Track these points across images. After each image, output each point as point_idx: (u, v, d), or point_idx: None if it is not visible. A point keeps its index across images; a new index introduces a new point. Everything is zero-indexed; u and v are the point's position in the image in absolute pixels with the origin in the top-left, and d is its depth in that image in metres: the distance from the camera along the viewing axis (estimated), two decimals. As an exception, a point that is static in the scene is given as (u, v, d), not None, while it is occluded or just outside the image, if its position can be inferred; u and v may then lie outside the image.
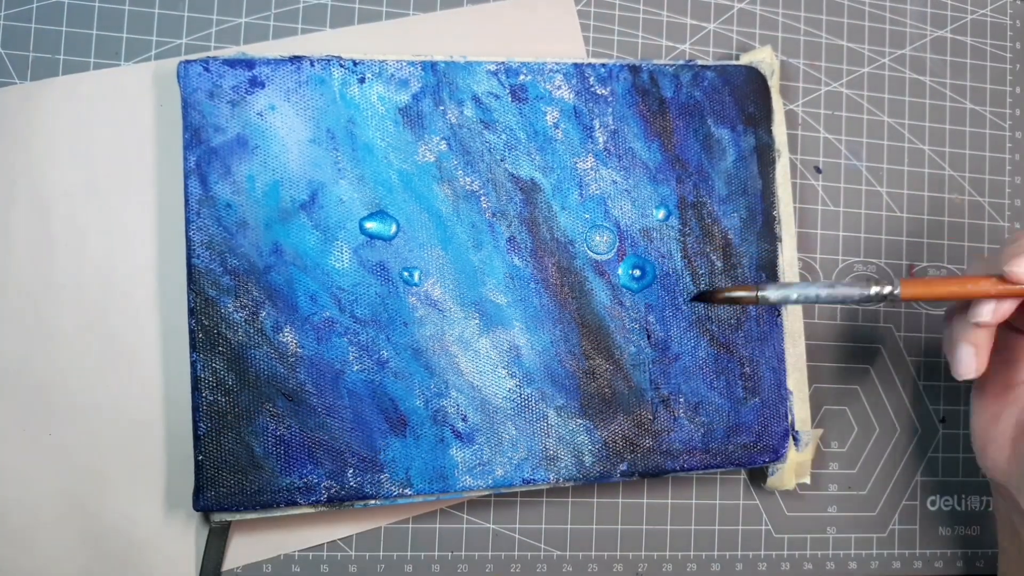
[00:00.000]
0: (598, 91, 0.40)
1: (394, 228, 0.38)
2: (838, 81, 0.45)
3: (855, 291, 0.30)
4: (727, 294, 0.33)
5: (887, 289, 0.30)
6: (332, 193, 0.37)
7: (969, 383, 0.43)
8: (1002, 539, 0.38)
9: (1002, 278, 0.31)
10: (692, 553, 0.43)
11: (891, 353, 0.45)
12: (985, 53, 0.47)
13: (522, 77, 0.39)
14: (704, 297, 0.35)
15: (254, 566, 0.39)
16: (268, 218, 0.36)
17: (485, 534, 0.41)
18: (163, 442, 0.38)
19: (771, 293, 0.32)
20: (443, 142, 0.38)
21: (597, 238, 0.39)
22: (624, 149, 0.40)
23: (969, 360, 0.32)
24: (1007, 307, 0.31)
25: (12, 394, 0.37)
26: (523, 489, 0.38)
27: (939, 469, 0.45)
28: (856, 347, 0.44)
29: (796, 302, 0.33)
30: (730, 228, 0.40)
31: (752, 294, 0.33)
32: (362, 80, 0.38)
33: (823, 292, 0.30)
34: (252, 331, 0.36)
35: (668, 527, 0.42)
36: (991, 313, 0.31)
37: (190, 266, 0.36)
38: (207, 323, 0.36)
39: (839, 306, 0.32)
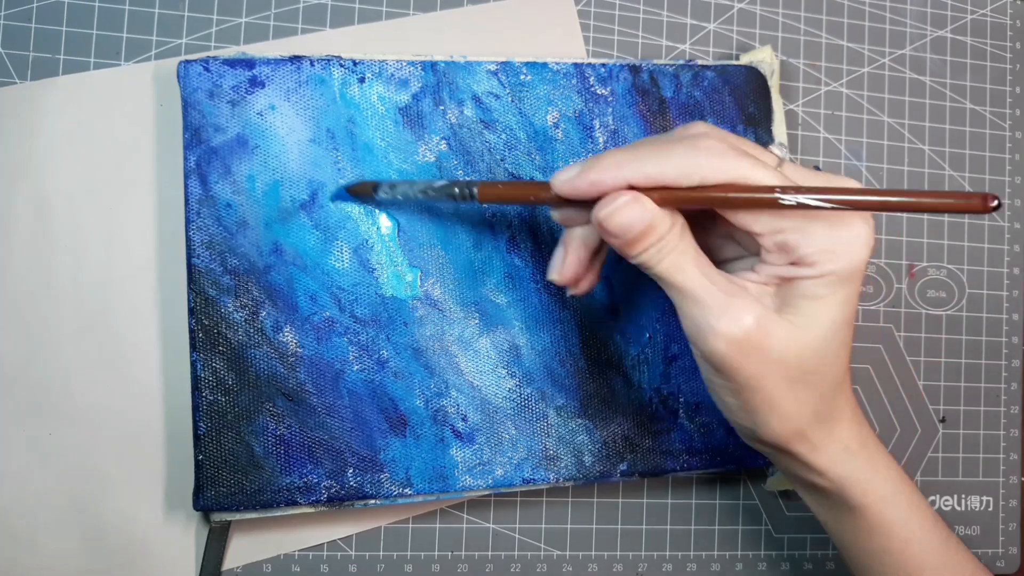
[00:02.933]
0: (598, 91, 0.40)
1: (395, 228, 0.38)
2: (838, 81, 0.45)
3: (444, 190, 0.33)
4: (350, 188, 0.37)
5: (468, 190, 0.33)
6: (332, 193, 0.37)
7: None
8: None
9: None
10: (692, 553, 0.43)
11: (891, 353, 0.45)
12: (985, 53, 0.47)
13: (522, 77, 0.39)
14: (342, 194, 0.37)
15: (254, 566, 0.39)
16: (268, 218, 0.36)
17: (485, 534, 0.41)
18: (163, 442, 0.38)
19: (382, 192, 0.36)
20: (443, 142, 0.38)
21: None
22: (624, 149, 0.40)
23: (557, 261, 0.32)
24: (569, 211, 0.31)
25: (12, 394, 0.37)
26: (523, 489, 0.38)
27: (939, 469, 0.45)
28: (856, 347, 0.44)
29: (401, 201, 0.36)
30: (730, 228, 0.40)
31: (368, 189, 0.36)
32: (362, 80, 0.38)
33: (420, 191, 0.34)
34: (252, 331, 0.36)
35: (668, 527, 0.42)
36: (558, 213, 0.32)
37: (190, 266, 0.36)
38: (207, 323, 0.36)
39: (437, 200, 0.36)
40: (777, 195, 0.27)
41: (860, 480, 0.32)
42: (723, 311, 0.28)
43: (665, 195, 0.28)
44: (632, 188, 0.28)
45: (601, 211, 0.28)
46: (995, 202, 0.25)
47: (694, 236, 0.30)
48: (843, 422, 0.32)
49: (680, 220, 0.29)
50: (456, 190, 0.33)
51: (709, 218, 0.31)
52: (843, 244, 0.28)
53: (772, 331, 0.29)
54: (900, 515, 0.33)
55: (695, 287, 0.29)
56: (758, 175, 0.28)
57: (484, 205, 0.38)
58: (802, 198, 0.27)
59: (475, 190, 0.32)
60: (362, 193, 0.37)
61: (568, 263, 0.32)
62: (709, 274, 0.29)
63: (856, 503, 0.32)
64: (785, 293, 0.29)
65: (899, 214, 0.45)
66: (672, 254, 0.29)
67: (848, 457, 0.32)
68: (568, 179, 0.29)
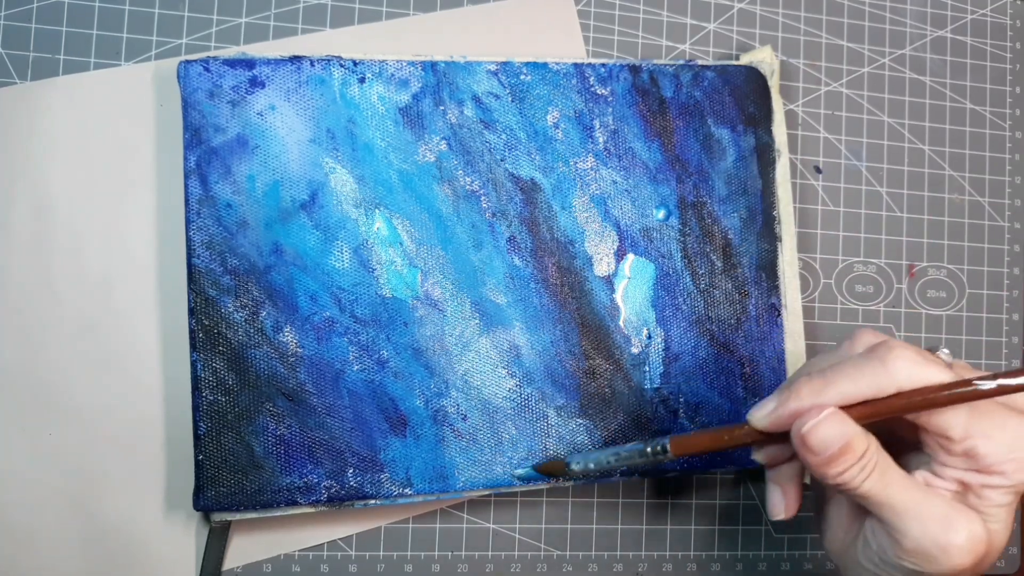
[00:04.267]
0: (598, 91, 0.40)
1: (395, 228, 0.38)
2: (838, 81, 0.45)
3: (636, 454, 0.34)
4: (543, 469, 0.37)
5: (659, 447, 0.33)
6: (332, 193, 0.37)
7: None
8: None
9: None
10: (692, 553, 0.43)
11: (891, 353, 0.45)
12: (985, 53, 0.47)
13: (522, 77, 0.39)
14: (542, 469, 0.38)
15: (254, 566, 0.39)
16: (268, 218, 0.36)
17: (485, 534, 0.41)
18: (163, 442, 0.38)
19: (575, 464, 0.36)
20: (443, 142, 0.38)
21: (597, 238, 0.39)
22: (624, 149, 0.40)
23: (776, 501, 0.33)
24: (773, 450, 0.32)
25: (12, 394, 0.37)
26: (523, 489, 0.38)
27: (939, 469, 0.45)
28: (856, 347, 0.44)
29: (594, 470, 0.36)
30: (730, 228, 0.40)
31: (561, 467, 0.36)
32: (362, 80, 0.38)
33: (613, 458, 0.34)
34: (252, 331, 0.36)
35: (668, 527, 0.42)
36: (762, 455, 0.33)
37: (190, 266, 0.36)
38: (207, 323, 0.36)
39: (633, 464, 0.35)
40: (975, 384, 0.28)
41: None
42: (952, 524, 0.28)
43: (865, 410, 0.29)
44: None
45: (803, 426, 0.28)
46: None
47: None
48: None
49: (874, 439, 0.29)
50: (648, 450, 0.33)
51: (877, 434, 0.31)
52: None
53: (991, 536, 0.29)
54: None
55: (913, 503, 0.29)
56: (947, 376, 0.28)
57: (485, 206, 0.38)
58: (1001, 381, 0.27)
59: (667, 446, 0.33)
60: (553, 471, 0.37)
61: (789, 502, 0.33)
62: (918, 486, 0.29)
63: None
64: (968, 499, 0.29)
65: (899, 214, 0.45)
66: (875, 472, 0.29)
67: None
68: (767, 414, 0.30)
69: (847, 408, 0.29)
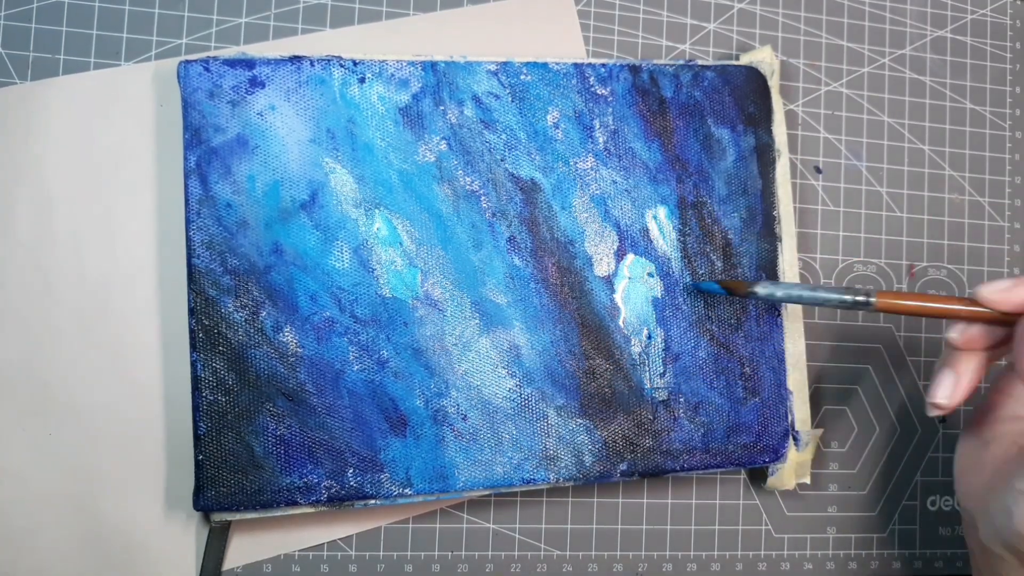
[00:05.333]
0: (598, 91, 0.40)
1: (395, 228, 0.38)
2: (838, 81, 0.45)
3: (834, 296, 0.32)
4: (726, 284, 0.37)
5: (862, 298, 0.31)
6: (332, 193, 0.37)
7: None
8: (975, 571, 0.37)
9: (973, 300, 0.30)
10: (692, 553, 0.43)
11: (891, 353, 0.45)
12: (985, 53, 0.47)
13: (522, 77, 0.39)
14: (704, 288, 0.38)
15: (254, 566, 0.39)
16: (268, 218, 0.36)
17: (485, 534, 0.41)
18: (163, 442, 0.38)
19: (760, 289, 0.36)
20: (443, 142, 0.38)
21: (597, 238, 0.39)
22: (624, 149, 0.40)
23: (946, 384, 0.31)
24: (975, 331, 0.30)
25: (12, 394, 0.37)
26: (523, 489, 0.38)
27: (939, 469, 0.45)
28: (856, 347, 0.44)
29: (780, 299, 0.35)
30: (730, 228, 0.40)
31: (745, 288, 0.36)
32: (362, 80, 0.38)
33: (805, 293, 0.33)
34: (252, 331, 0.36)
35: (668, 527, 0.42)
36: (960, 333, 0.30)
37: (190, 266, 0.36)
38: (207, 323, 0.36)
39: (824, 307, 0.33)
40: None
41: None
42: None
43: None
44: None
45: None
46: None
47: None
48: None
49: None
50: (849, 299, 0.32)
51: None
52: None
53: None
54: None
55: None
56: None
57: (485, 206, 0.38)
58: None
59: (873, 299, 0.31)
60: (737, 290, 0.37)
61: (960, 391, 0.31)
62: None
63: None
64: None
65: (899, 214, 0.45)
66: None
67: None
68: (1001, 289, 0.28)
69: None
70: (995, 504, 0.30)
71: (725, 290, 0.37)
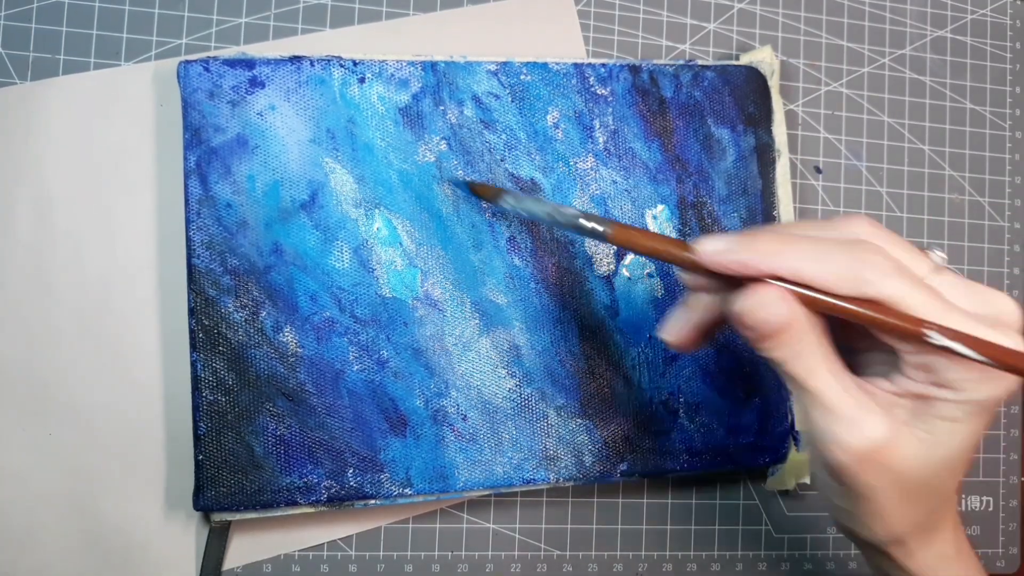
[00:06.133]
0: (598, 91, 0.40)
1: (395, 228, 0.38)
2: (838, 81, 0.45)
3: (571, 220, 0.31)
4: (475, 188, 0.36)
5: (600, 228, 0.30)
6: (332, 193, 0.37)
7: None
8: None
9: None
10: (692, 553, 0.42)
11: (891, 353, 0.45)
12: (985, 53, 0.47)
13: (522, 77, 0.39)
14: (470, 188, 0.37)
15: (254, 566, 0.39)
16: (268, 218, 0.36)
17: (485, 534, 0.41)
18: (163, 442, 0.38)
19: (509, 197, 0.34)
20: (443, 142, 0.38)
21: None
22: (624, 149, 0.40)
23: (675, 321, 0.31)
24: (702, 280, 0.30)
25: (12, 394, 0.37)
26: (523, 489, 0.38)
27: (939, 469, 0.45)
28: (856, 347, 0.44)
29: (522, 213, 0.34)
30: (730, 228, 0.40)
31: (492, 192, 0.35)
32: (362, 80, 0.38)
33: (546, 211, 0.32)
34: (252, 331, 0.36)
35: (668, 527, 0.42)
36: (689, 279, 0.30)
37: (190, 266, 0.36)
38: (207, 323, 0.36)
39: (564, 229, 0.34)
40: (924, 331, 0.26)
41: None
42: (852, 424, 0.27)
43: (812, 300, 0.27)
44: (778, 279, 0.27)
45: (744, 303, 0.27)
46: None
47: (830, 330, 0.28)
48: (944, 531, 0.31)
49: (818, 324, 0.28)
50: (587, 225, 0.31)
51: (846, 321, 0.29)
52: (989, 374, 0.27)
53: (900, 448, 0.28)
54: None
55: (827, 394, 0.27)
56: (912, 301, 0.26)
57: (486, 206, 0.38)
58: (949, 343, 0.26)
59: (608, 231, 0.31)
60: (484, 195, 0.36)
61: (686, 328, 0.30)
62: (843, 381, 0.28)
63: None
64: (919, 408, 0.28)
65: (899, 214, 0.45)
66: (804, 355, 0.27)
67: (942, 564, 0.31)
68: (717, 252, 0.27)
69: (795, 285, 0.27)
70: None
71: (472, 192, 0.36)
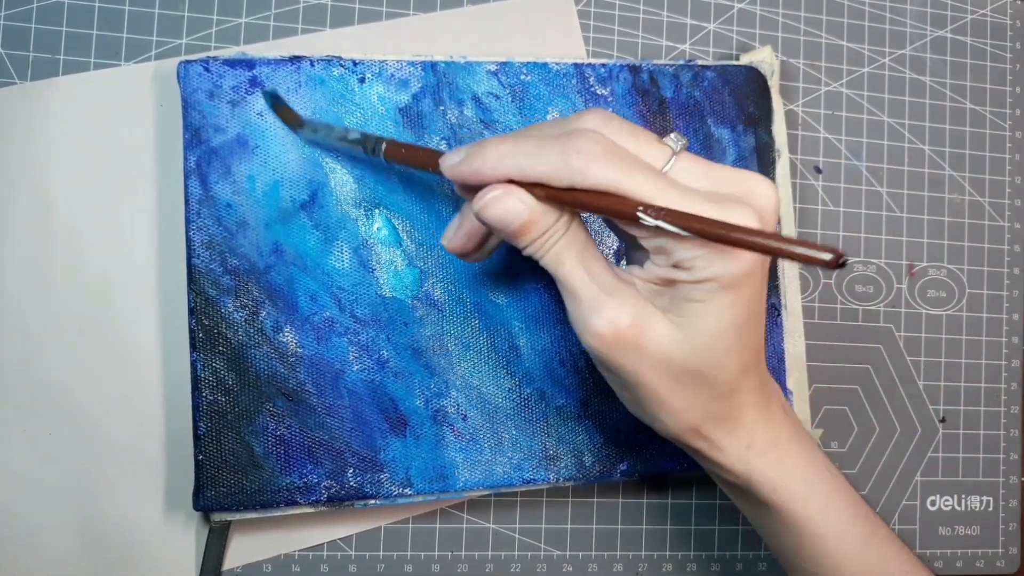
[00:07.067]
0: (598, 91, 0.40)
1: (395, 228, 0.38)
2: (838, 81, 0.45)
3: (360, 145, 0.34)
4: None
5: (377, 146, 0.33)
6: (332, 193, 0.37)
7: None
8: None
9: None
10: (692, 553, 0.43)
11: (891, 353, 0.45)
12: (985, 53, 0.47)
13: (522, 77, 0.39)
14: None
15: (254, 566, 0.39)
16: (268, 218, 0.36)
17: (485, 534, 0.41)
18: (163, 442, 0.38)
19: (308, 128, 0.36)
20: (443, 142, 0.38)
21: (596, 237, 0.39)
22: (624, 149, 0.40)
23: (451, 227, 0.32)
24: (463, 188, 0.31)
25: (12, 394, 0.37)
26: (523, 489, 0.38)
27: (939, 469, 0.45)
28: (856, 347, 0.44)
29: (319, 139, 0.36)
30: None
31: (296, 120, 0.36)
32: (362, 80, 0.38)
33: (338, 137, 0.35)
34: (252, 331, 0.36)
35: (668, 527, 0.42)
36: (457, 188, 0.31)
37: (190, 266, 0.36)
38: (207, 323, 0.36)
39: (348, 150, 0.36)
40: (638, 213, 0.26)
41: (770, 478, 0.32)
42: (597, 308, 0.28)
43: (543, 193, 0.28)
44: (513, 182, 0.28)
45: (476, 203, 0.28)
46: (843, 259, 0.24)
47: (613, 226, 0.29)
48: (745, 423, 0.31)
49: (567, 215, 0.29)
50: (366, 143, 0.34)
51: None
52: (720, 251, 0.27)
53: (650, 331, 0.28)
54: (814, 512, 0.33)
55: (573, 282, 0.29)
56: (629, 185, 0.27)
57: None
58: (661, 223, 0.26)
59: (382, 147, 0.33)
60: (287, 120, 0.36)
61: (457, 234, 0.32)
62: (593, 269, 0.29)
63: (766, 499, 0.32)
64: (672, 293, 0.29)
65: (899, 214, 0.45)
66: (555, 248, 0.29)
67: (753, 455, 0.32)
68: (453, 164, 0.29)
69: (530, 185, 0.28)
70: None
71: (276, 113, 0.36)
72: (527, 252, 0.29)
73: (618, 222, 0.28)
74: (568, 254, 0.29)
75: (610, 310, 0.28)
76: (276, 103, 0.36)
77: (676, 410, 0.30)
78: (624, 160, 0.27)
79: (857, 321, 0.45)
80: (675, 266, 0.28)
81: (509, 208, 0.28)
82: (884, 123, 0.46)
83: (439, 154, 0.30)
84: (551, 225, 0.28)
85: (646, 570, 0.42)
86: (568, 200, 0.28)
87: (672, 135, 0.29)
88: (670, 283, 0.28)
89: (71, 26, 0.39)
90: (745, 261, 0.28)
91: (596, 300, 0.29)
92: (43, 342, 0.37)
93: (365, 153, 0.34)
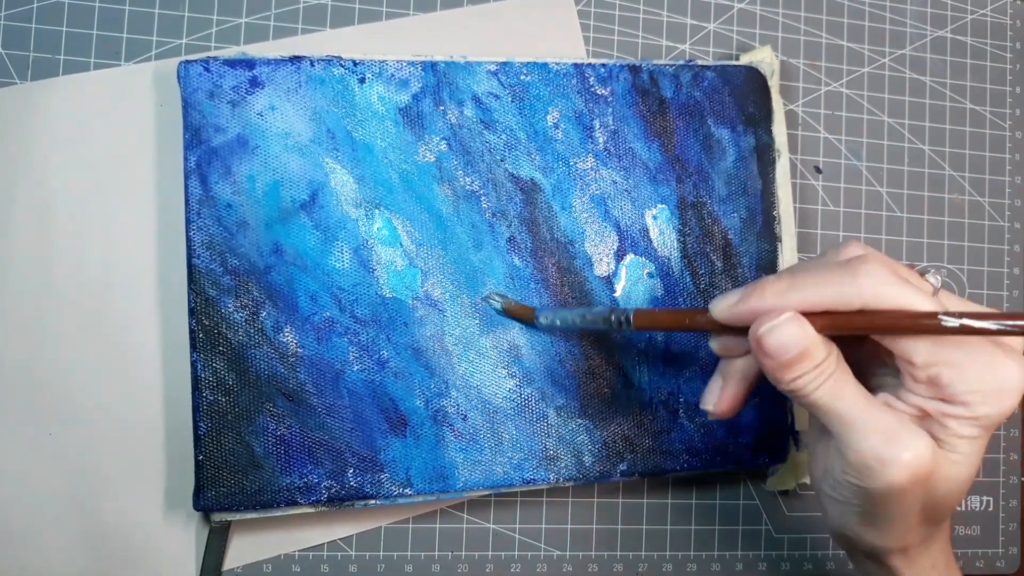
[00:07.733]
0: (598, 91, 0.40)
1: (395, 228, 0.38)
2: (838, 81, 0.45)
3: (601, 319, 0.34)
4: (510, 311, 0.38)
5: (624, 317, 0.33)
6: (332, 193, 0.37)
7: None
8: None
9: None
10: (692, 553, 0.43)
11: (891, 353, 0.45)
12: (985, 53, 0.47)
13: (522, 77, 0.39)
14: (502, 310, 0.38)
15: (254, 566, 0.39)
16: (268, 218, 0.36)
17: (485, 534, 0.41)
18: (163, 442, 0.38)
19: (542, 318, 0.37)
20: (443, 142, 0.38)
21: (597, 238, 0.39)
22: (624, 149, 0.40)
23: (714, 390, 0.32)
24: (728, 340, 0.31)
25: (12, 394, 0.37)
26: (523, 489, 0.38)
27: (939, 469, 0.45)
28: (856, 347, 0.44)
29: (559, 327, 0.37)
30: (730, 228, 0.40)
31: (530, 315, 0.37)
32: (362, 80, 0.38)
33: (578, 318, 0.36)
34: (252, 331, 0.36)
35: (668, 527, 0.42)
36: (716, 342, 0.32)
37: (190, 266, 0.36)
38: (207, 323, 0.36)
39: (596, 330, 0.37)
40: (940, 319, 0.26)
41: None
42: (896, 440, 0.28)
43: (827, 321, 0.28)
44: None
45: (760, 328, 0.28)
46: None
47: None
48: (940, 542, 0.32)
49: (835, 349, 0.29)
50: (612, 317, 0.34)
51: (853, 346, 0.30)
52: (996, 388, 0.27)
53: (942, 464, 0.28)
54: None
55: (859, 414, 0.28)
56: (919, 301, 0.27)
57: (485, 206, 0.38)
58: (965, 321, 0.26)
59: (631, 317, 0.33)
60: (520, 316, 0.38)
61: (725, 396, 0.32)
62: (872, 401, 0.29)
63: None
64: (930, 427, 0.28)
65: (899, 214, 0.45)
66: (829, 381, 0.28)
67: (934, 573, 0.32)
68: (729, 306, 0.29)
69: (810, 316, 0.28)
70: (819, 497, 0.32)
71: (507, 315, 0.38)
72: (792, 387, 0.28)
73: (895, 343, 0.28)
74: (845, 387, 0.28)
75: (915, 441, 0.28)
76: (507, 305, 0.38)
77: (902, 535, 0.30)
78: (907, 282, 0.28)
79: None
80: (943, 399, 0.28)
81: (793, 334, 0.28)
82: (884, 123, 0.46)
83: (698, 310, 0.31)
84: (823, 359, 0.28)
85: (646, 570, 0.42)
86: (856, 323, 0.28)
87: (931, 272, 0.30)
88: (927, 415, 0.28)
89: (71, 26, 0.39)
90: (1015, 398, 0.28)
91: (894, 432, 0.28)
92: (43, 342, 0.37)
93: (608, 327, 0.34)
